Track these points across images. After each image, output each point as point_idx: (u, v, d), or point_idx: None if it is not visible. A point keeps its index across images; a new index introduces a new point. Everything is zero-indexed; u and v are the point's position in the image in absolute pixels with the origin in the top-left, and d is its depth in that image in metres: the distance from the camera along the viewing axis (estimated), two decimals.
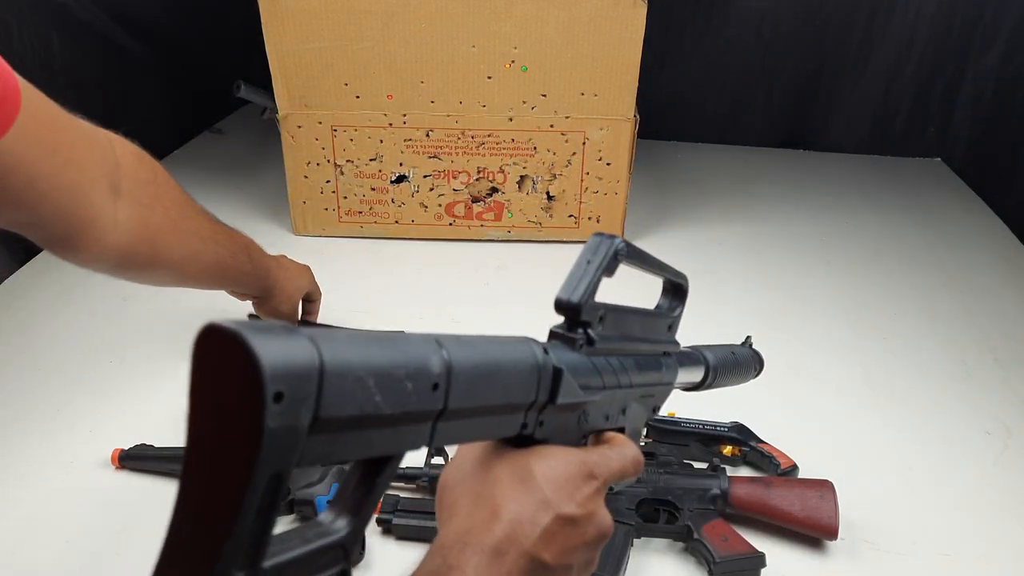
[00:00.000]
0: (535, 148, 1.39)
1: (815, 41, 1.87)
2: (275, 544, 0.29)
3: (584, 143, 1.39)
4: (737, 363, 0.70)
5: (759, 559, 0.80)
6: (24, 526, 0.84)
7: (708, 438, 0.95)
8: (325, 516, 0.34)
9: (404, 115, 1.36)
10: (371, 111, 1.36)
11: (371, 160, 1.41)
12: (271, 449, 0.25)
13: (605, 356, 0.49)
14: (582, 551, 0.42)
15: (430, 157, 1.40)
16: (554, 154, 1.40)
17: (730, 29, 1.88)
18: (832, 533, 0.83)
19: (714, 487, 0.85)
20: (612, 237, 0.47)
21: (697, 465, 0.90)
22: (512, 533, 0.39)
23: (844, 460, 0.96)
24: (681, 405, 0.99)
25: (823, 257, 1.49)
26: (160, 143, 1.78)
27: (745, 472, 0.94)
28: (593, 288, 0.46)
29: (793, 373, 1.14)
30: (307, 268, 1.09)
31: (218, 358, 0.25)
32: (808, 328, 1.26)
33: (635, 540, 0.82)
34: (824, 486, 0.85)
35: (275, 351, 0.25)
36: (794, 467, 0.92)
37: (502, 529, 0.39)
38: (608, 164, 1.40)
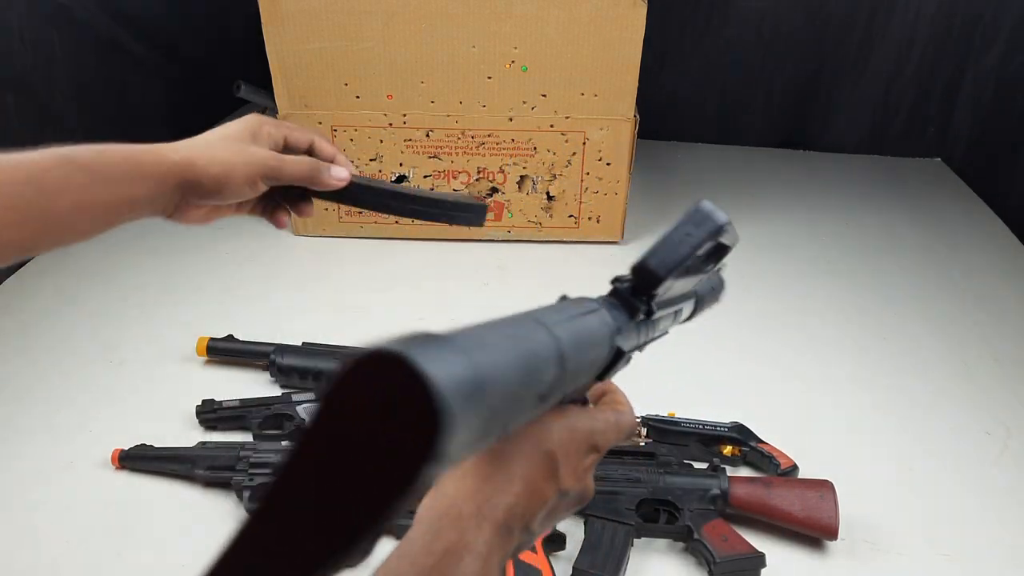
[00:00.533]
0: (535, 148, 1.39)
1: (815, 41, 1.87)
2: None
3: (584, 143, 1.39)
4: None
5: (759, 559, 0.80)
6: (24, 526, 0.84)
7: (708, 438, 0.95)
8: None
9: (404, 115, 1.36)
10: (371, 111, 1.36)
11: (371, 160, 1.41)
12: (430, 471, 0.25)
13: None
14: (562, 515, 0.44)
15: (430, 157, 1.40)
16: (554, 154, 1.40)
17: (730, 29, 1.88)
18: (832, 533, 0.83)
19: (714, 487, 0.85)
20: (719, 215, 0.44)
21: (697, 465, 0.90)
22: (523, 508, 0.39)
23: (844, 460, 0.96)
24: (681, 405, 0.99)
25: (823, 257, 1.49)
26: (160, 143, 1.78)
27: (745, 472, 0.94)
28: (683, 264, 0.43)
29: (793, 373, 1.14)
30: (249, 118, 0.72)
31: (380, 379, 0.24)
32: (808, 328, 1.26)
33: (635, 540, 0.82)
34: (824, 486, 0.85)
35: (451, 385, 0.24)
36: (794, 467, 0.92)
37: (516, 502, 0.39)
38: (608, 164, 1.40)
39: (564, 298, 0.43)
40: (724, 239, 0.44)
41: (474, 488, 0.39)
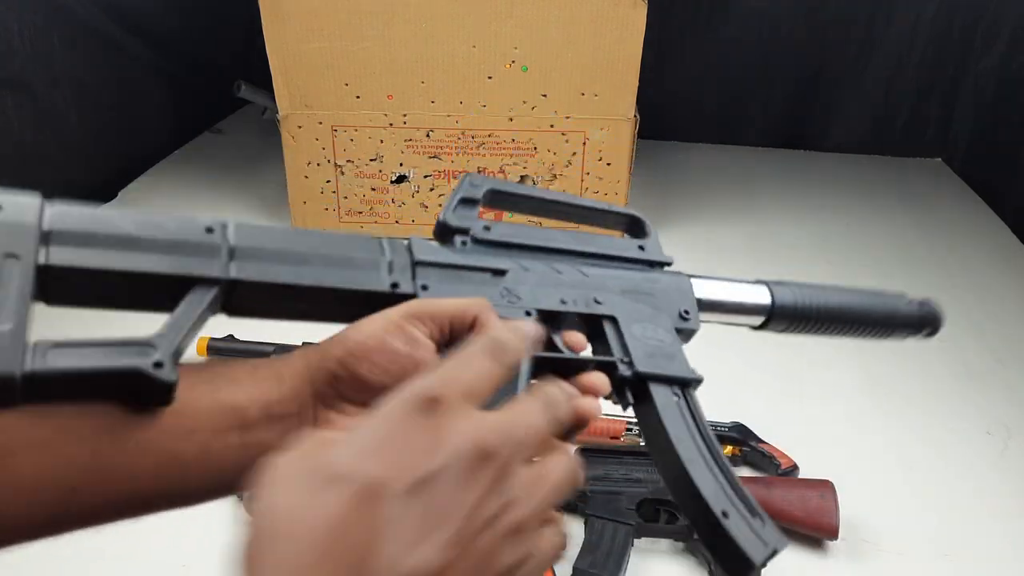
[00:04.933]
0: (535, 148, 1.39)
1: (816, 41, 1.87)
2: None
3: (584, 143, 1.39)
4: (845, 310, 0.59)
5: None
6: None
7: None
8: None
9: (404, 115, 1.36)
10: (371, 111, 1.36)
11: (371, 160, 1.41)
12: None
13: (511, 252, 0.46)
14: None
15: (430, 157, 1.40)
16: (554, 154, 1.40)
17: (730, 29, 1.88)
18: (832, 533, 0.83)
19: None
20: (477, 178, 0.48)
21: None
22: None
23: (844, 460, 0.96)
24: None
25: (823, 257, 1.49)
26: (160, 143, 1.79)
27: (745, 472, 0.94)
28: (454, 207, 0.47)
29: (793, 373, 1.14)
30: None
31: None
32: None
33: (636, 540, 0.82)
34: (824, 486, 0.85)
35: None
36: (794, 467, 0.92)
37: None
38: (608, 164, 1.40)
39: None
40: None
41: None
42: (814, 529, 0.83)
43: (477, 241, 0.46)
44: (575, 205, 0.51)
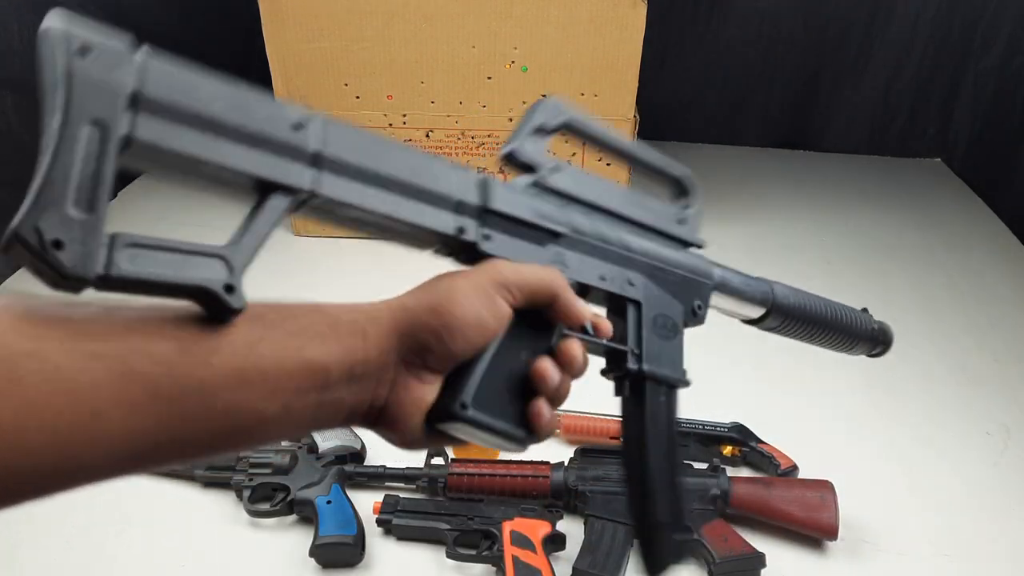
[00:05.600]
0: None
1: (815, 42, 1.87)
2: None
3: (584, 143, 1.38)
4: (826, 317, 0.61)
5: (759, 559, 0.80)
6: (25, 527, 0.84)
7: (708, 438, 0.95)
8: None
9: (404, 115, 1.36)
10: (371, 111, 1.36)
11: None
12: (84, 93, 0.27)
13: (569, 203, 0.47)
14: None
15: None
16: (554, 154, 1.39)
17: (730, 29, 1.88)
18: (832, 533, 0.83)
19: (714, 487, 0.85)
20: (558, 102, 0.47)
21: (697, 465, 0.90)
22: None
23: (844, 460, 0.96)
24: (681, 405, 0.99)
25: (823, 257, 1.49)
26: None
27: (745, 472, 0.94)
28: (529, 140, 0.45)
29: (793, 373, 1.13)
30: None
31: None
32: None
33: (635, 540, 0.82)
34: (824, 486, 0.85)
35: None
36: (794, 467, 0.92)
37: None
38: (608, 164, 1.40)
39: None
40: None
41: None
42: (814, 529, 0.83)
43: (539, 186, 0.45)
44: (638, 158, 0.52)
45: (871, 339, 0.66)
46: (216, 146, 0.31)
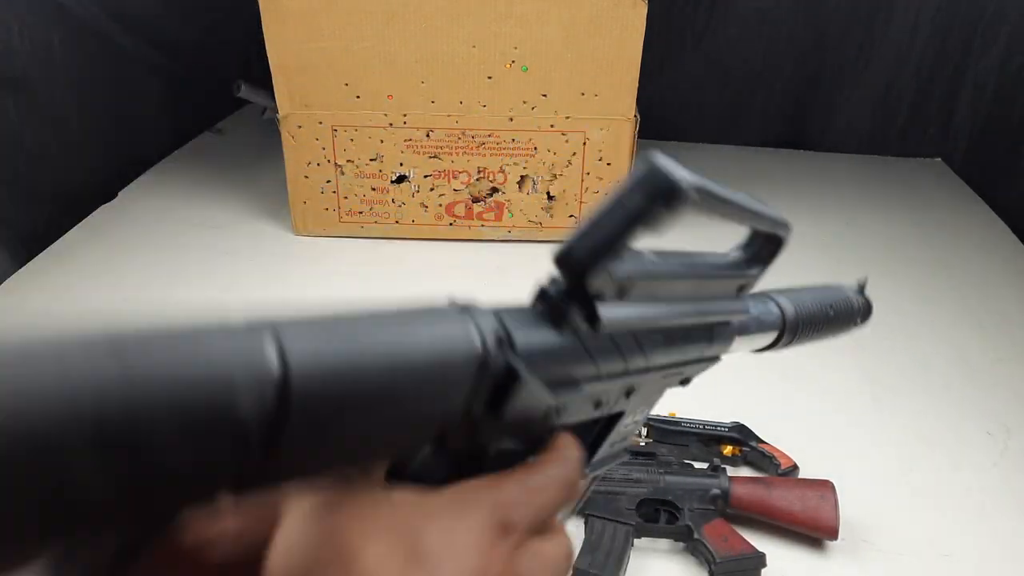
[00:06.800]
0: (535, 148, 1.39)
1: (816, 41, 1.87)
2: None
3: (584, 143, 1.38)
4: (828, 316, 0.55)
5: (759, 559, 0.80)
6: None
7: (708, 438, 0.95)
8: None
9: (404, 115, 1.36)
10: (371, 111, 1.36)
11: (371, 160, 1.41)
12: None
13: (614, 336, 0.33)
14: None
15: (430, 157, 1.40)
16: (555, 154, 1.40)
17: (730, 29, 1.88)
18: (832, 533, 0.83)
19: (714, 487, 0.85)
20: (670, 171, 0.31)
21: (698, 465, 0.90)
22: None
23: (844, 460, 0.96)
24: (682, 405, 0.99)
25: (824, 257, 1.48)
26: (160, 143, 1.79)
27: (745, 472, 0.94)
28: (617, 245, 0.29)
29: (794, 373, 1.13)
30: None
31: None
32: None
33: (635, 540, 0.82)
34: (824, 486, 0.85)
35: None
36: (794, 467, 0.92)
37: None
38: (608, 164, 1.40)
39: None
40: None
41: None
42: (814, 529, 0.83)
43: (591, 325, 0.30)
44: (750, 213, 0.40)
45: (861, 314, 0.61)
46: None
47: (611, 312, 0.31)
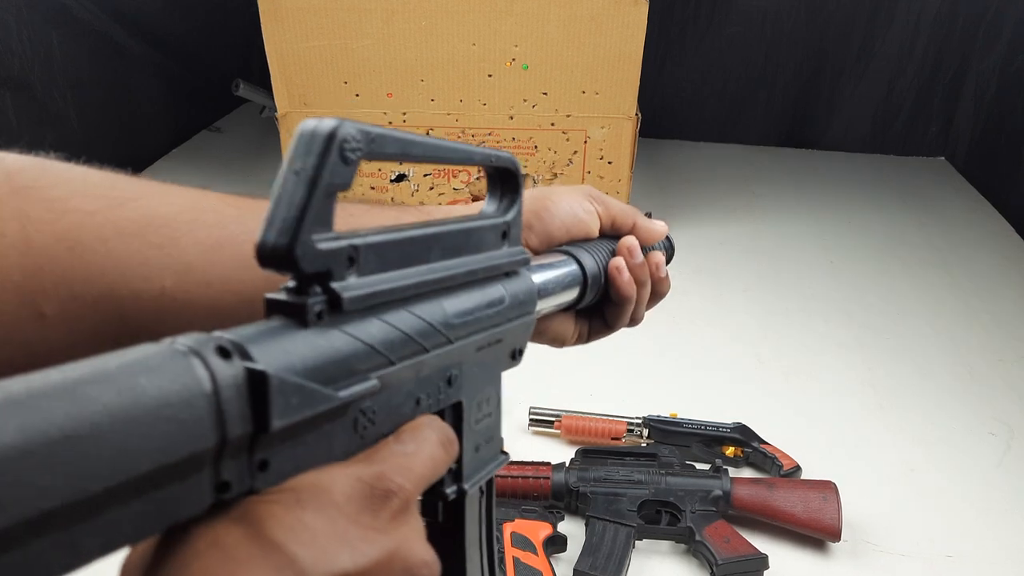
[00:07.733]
0: (536, 147, 1.39)
1: (817, 40, 1.87)
2: None
3: (585, 142, 1.38)
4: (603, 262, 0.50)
5: (762, 560, 0.79)
6: None
7: (710, 439, 0.95)
8: None
9: (404, 113, 1.36)
10: (371, 109, 1.35)
11: None
12: None
13: (379, 312, 0.30)
14: None
15: None
16: (555, 153, 1.39)
17: (732, 27, 1.87)
18: (835, 534, 0.82)
19: (716, 488, 0.85)
20: (318, 123, 0.29)
21: (699, 466, 0.89)
22: None
23: (847, 461, 0.95)
24: (682, 406, 0.98)
25: (825, 256, 1.48)
26: (159, 142, 1.78)
27: (748, 473, 0.94)
28: (310, 211, 0.28)
29: (795, 374, 1.13)
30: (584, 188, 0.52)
31: None
32: (810, 328, 1.25)
33: (637, 542, 0.81)
34: (827, 487, 0.84)
35: None
36: (797, 468, 0.92)
37: None
38: (609, 163, 1.40)
39: None
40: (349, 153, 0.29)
41: None
42: (816, 530, 0.83)
43: (334, 307, 0.28)
44: (455, 155, 0.36)
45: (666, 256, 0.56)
46: None
47: (354, 288, 0.29)
